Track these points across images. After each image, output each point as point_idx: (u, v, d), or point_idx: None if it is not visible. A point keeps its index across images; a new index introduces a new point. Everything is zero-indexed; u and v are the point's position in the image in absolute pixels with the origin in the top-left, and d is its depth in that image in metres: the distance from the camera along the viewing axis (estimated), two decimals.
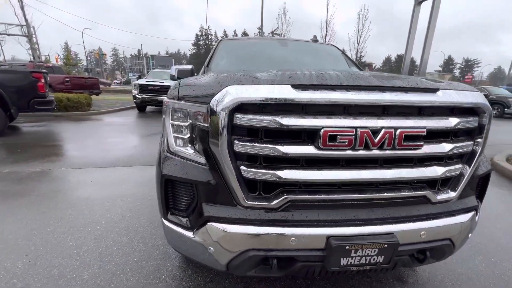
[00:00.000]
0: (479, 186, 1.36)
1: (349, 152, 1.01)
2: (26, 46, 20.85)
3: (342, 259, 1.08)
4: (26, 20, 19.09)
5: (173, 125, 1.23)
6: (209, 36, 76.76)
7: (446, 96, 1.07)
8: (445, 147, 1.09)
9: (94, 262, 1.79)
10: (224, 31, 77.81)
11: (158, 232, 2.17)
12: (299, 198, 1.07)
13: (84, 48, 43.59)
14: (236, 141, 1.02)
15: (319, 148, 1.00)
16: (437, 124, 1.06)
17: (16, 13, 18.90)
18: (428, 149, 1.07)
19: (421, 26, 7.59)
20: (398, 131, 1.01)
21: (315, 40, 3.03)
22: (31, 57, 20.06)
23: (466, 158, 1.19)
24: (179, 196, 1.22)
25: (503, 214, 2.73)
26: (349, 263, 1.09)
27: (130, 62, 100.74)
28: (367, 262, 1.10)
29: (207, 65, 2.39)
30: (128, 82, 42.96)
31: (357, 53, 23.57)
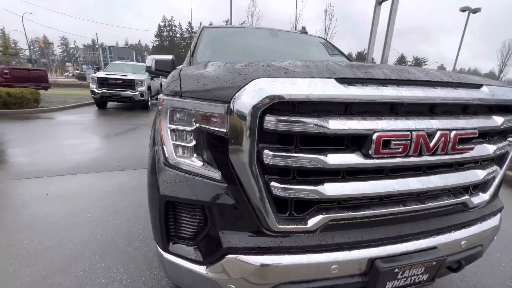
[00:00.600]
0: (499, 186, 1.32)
1: (401, 159, 0.85)
2: None
3: (388, 283, 0.93)
4: None
5: (173, 130, 0.95)
6: (173, 28, 72.84)
7: (492, 92, 0.97)
8: (490, 149, 0.99)
9: None
10: (189, 23, 74.31)
11: (141, 255, 1.84)
12: (341, 216, 0.88)
13: (26, 36, 38.01)
14: (266, 151, 0.79)
15: (369, 157, 0.81)
16: (486, 123, 0.95)
17: None
18: (477, 151, 0.96)
19: (380, 25, 7.98)
20: (453, 133, 0.87)
21: (304, 31, 2.88)
22: None
23: (499, 158, 1.12)
24: (184, 221, 0.95)
25: None
26: (396, 286, 0.94)
27: (83, 53, 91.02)
28: (411, 282, 0.97)
29: (192, 55, 2.07)
30: (82, 75, 38.69)
31: None
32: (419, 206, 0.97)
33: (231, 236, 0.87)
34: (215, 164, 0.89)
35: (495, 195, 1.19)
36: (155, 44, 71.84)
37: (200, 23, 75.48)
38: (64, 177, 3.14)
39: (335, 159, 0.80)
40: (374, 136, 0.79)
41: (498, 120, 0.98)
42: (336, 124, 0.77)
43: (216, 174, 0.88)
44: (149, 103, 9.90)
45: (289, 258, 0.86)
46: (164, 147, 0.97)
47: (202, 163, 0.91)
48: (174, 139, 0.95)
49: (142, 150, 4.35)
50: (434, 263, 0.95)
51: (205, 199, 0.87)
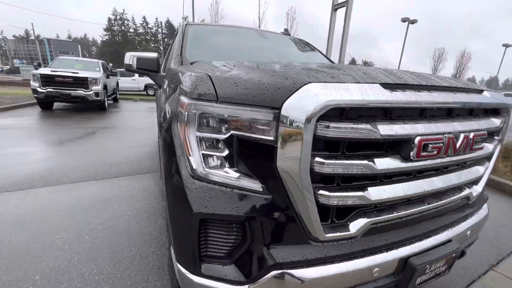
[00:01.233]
0: None
1: (432, 161, 0.89)
2: None
3: (419, 278, 0.97)
4: None
5: (201, 139, 0.85)
6: (125, 22, 67.33)
7: (491, 97, 1.08)
8: (490, 147, 1.11)
9: None
10: (144, 18, 69.56)
11: (137, 277, 1.63)
12: (380, 219, 0.89)
13: None
14: (317, 159, 0.75)
15: (410, 160, 0.84)
16: (491, 124, 1.06)
17: None
18: (484, 150, 1.06)
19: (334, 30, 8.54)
20: (472, 134, 0.95)
21: (286, 33, 2.90)
22: None
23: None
24: (219, 239, 0.86)
25: None
26: (422, 280, 1.00)
27: (14, 45, 78.33)
28: (434, 275, 1.04)
29: (181, 53, 1.91)
30: (14, 70, 33.23)
31: None
32: (439, 203, 1.04)
33: (276, 250, 0.82)
34: (255, 174, 0.82)
35: (484, 187, 1.34)
36: (105, 39, 65.55)
37: (156, 18, 71.35)
38: (15, 193, 2.63)
39: (382, 164, 0.80)
40: (416, 140, 0.81)
41: (497, 122, 1.10)
42: (385, 129, 0.77)
43: (258, 185, 0.81)
44: (106, 104, 8.97)
45: (336, 267, 0.83)
46: (190, 157, 0.86)
47: (238, 174, 0.83)
48: (203, 148, 0.85)
49: (107, 156, 3.91)
50: (454, 254, 1.02)
51: (248, 213, 0.79)
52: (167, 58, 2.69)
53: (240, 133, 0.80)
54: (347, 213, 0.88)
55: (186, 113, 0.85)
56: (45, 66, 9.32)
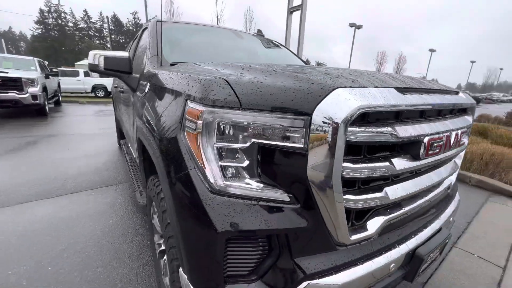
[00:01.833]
0: None
1: (434, 158, 0.97)
2: None
3: (422, 267, 1.05)
4: None
5: (220, 149, 0.77)
6: (62, 14, 59.54)
7: (465, 98, 1.22)
8: (466, 141, 1.26)
9: None
10: (85, 11, 62.47)
11: None
12: (394, 216, 0.93)
13: None
14: (346, 164, 0.75)
15: (419, 159, 0.89)
16: (468, 122, 1.19)
17: None
18: (464, 144, 1.20)
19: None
20: (460, 132, 1.06)
21: (260, 34, 2.88)
22: None
23: None
24: (243, 256, 0.80)
25: None
26: (423, 268, 1.08)
27: None
28: (431, 261, 1.13)
29: (157, 53, 1.74)
30: None
31: None
32: (432, 195, 1.14)
33: (305, 261, 0.79)
34: (281, 184, 0.78)
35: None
36: (36, 33, 57.00)
37: (100, 12, 64.78)
38: None
39: (399, 164, 0.83)
40: (426, 140, 0.87)
41: (470, 119, 1.25)
42: (403, 132, 0.80)
43: (284, 195, 0.78)
44: (47, 108, 7.80)
45: (361, 269, 0.85)
46: (206, 170, 0.78)
47: (262, 185, 0.78)
48: (222, 159, 0.78)
49: (59, 169, 3.40)
50: (447, 241, 1.13)
51: (277, 226, 0.75)
52: (132, 57, 2.43)
53: (264, 141, 0.74)
54: (364, 214, 0.90)
55: (200, 122, 0.77)
56: None
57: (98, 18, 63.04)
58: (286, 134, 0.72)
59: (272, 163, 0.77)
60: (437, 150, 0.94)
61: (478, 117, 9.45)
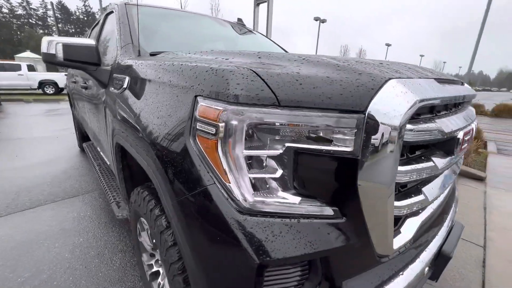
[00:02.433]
0: None
1: (462, 152, 0.93)
2: None
3: (447, 264, 1.02)
4: None
5: (250, 158, 0.61)
6: None
7: (470, 89, 1.22)
8: None
9: None
10: None
11: None
12: (426, 217, 0.87)
13: None
14: (400, 168, 0.64)
15: (452, 154, 0.83)
16: (474, 114, 1.19)
17: None
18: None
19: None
20: (475, 123, 1.03)
21: (241, 23, 2.67)
22: None
23: None
24: (279, 285, 0.66)
25: None
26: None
27: None
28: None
29: (132, 41, 1.46)
30: None
31: None
32: (448, 189, 1.11)
33: (353, 282, 0.68)
34: (321, 195, 0.65)
35: None
36: None
37: None
38: None
39: (439, 163, 0.76)
40: (461, 135, 0.81)
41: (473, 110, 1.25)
42: (446, 127, 0.73)
43: (327, 209, 0.65)
44: None
45: (404, 279, 0.77)
46: (231, 184, 0.62)
47: (299, 198, 0.65)
48: (251, 169, 0.62)
49: (5, 181, 2.86)
50: (460, 234, 1.13)
51: (325, 247, 0.62)
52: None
53: (304, 145, 0.61)
54: (398, 219, 0.83)
55: (222, 124, 0.60)
56: None
57: (40, 4, 55.65)
58: (333, 135, 0.59)
59: (312, 171, 0.64)
60: (466, 144, 0.89)
61: None
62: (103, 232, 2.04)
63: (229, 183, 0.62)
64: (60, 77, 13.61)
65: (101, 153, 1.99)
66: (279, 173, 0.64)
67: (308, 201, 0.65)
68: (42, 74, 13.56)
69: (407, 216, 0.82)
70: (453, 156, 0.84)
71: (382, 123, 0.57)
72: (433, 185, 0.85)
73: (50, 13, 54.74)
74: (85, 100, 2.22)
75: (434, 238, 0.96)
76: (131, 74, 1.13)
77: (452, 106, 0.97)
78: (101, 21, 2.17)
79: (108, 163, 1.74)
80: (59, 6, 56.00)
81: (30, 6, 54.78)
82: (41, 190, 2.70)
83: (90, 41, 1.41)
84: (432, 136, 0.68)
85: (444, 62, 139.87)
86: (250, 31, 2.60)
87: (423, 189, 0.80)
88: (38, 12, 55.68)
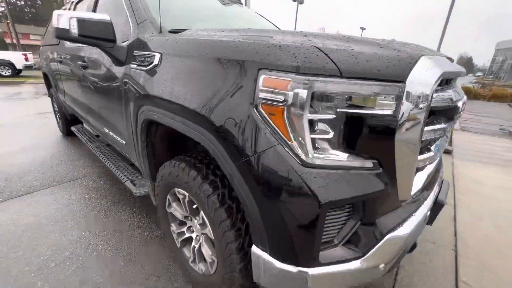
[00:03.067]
0: None
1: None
2: None
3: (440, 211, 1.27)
4: None
5: (312, 122, 0.74)
6: None
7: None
8: None
9: None
10: None
11: None
12: (431, 171, 1.09)
13: None
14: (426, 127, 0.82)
15: (452, 119, 1.03)
16: None
17: None
18: None
19: None
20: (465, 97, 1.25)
21: (238, 1, 2.65)
22: None
23: None
24: (333, 224, 0.82)
25: None
26: None
27: None
28: None
29: (147, 18, 1.45)
30: None
31: None
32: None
33: (384, 219, 0.87)
34: (365, 151, 0.81)
35: None
36: None
37: None
38: None
39: (446, 126, 0.96)
40: (460, 103, 1.01)
41: None
42: (454, 96, 0.91)
43: (369, 162, 0.81)
44: None
45: (417, 218, 0.97)
46: (295, 144, 0.75)
47: (347, 154, 0.80)
48: (314, 132, 0.76)
49: None
50: (448, 187, 1.38)
51: (368, 191, 0.79)
52: None
53: (355, 110, 0.75)
54: None
55: (290, 93, 0.71)
56: None
57: None
58: (379, 101, 0.74)
59: (359, 132, 0.79)
60: (461, 112, 1.10)
61: None
62: (114, 211, 2.08)
63: (292, 142, 0.75)
64: (16, 57, 12.21)
65: (111, 133, 1.97)
66: (331, 134, 0.78)
67: (354, 156, 0.80)
68: None
69: (418, 169, 1.02)
70: (452, 122, 1.05)
71: (417, 91, 0.72)
72: (437, 144, 1.05)
73: None
74: (83, 80, 2.14)
75: (432, 188, 1.19)
76: (165, 51, 1.16)
77: (449, 81, 1.17)
78: None
79: (124, 142, 1.75)
80: None
81: None
82: (34, 176, 2.60)
83: (105, 17, 1.39)
84: (445, 103, 0.86)
85: None
86: (252, 11, 2.62)
87: (431, 147, 0.99)
88: None
